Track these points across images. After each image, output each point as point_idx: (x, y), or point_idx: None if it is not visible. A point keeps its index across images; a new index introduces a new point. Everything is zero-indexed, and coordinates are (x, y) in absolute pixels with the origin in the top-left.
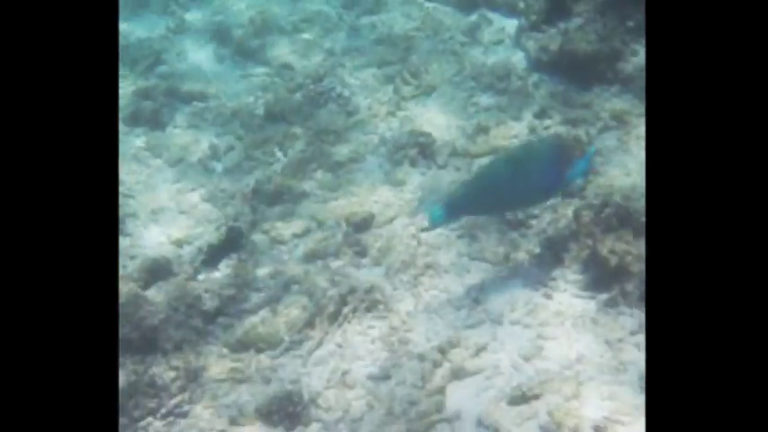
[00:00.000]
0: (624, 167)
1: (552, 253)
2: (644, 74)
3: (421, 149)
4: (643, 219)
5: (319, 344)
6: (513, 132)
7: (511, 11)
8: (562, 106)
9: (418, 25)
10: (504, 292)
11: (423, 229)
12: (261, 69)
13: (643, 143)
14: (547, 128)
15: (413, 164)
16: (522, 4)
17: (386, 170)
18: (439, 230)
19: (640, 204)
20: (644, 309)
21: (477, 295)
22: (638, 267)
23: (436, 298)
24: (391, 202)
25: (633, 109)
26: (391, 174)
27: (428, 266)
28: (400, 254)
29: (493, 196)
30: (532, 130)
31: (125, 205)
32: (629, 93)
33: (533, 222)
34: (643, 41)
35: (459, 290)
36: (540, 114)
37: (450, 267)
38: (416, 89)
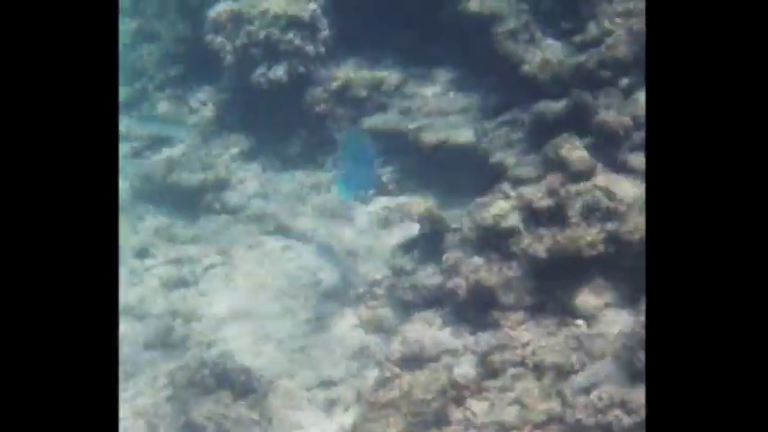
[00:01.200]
0: (230, 312)
1: (146, 422)
2: (251, 202)
3: None
4: (242, 377)
5: None
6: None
7: None
8: (167, 242)
9: None
10: None
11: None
12: None
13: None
14: (148, 269)
15: None
16: (123, 129)
17: None
18: None
19: (239, 362)
20: None
21: None
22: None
23: None
24: None
25: (241, 241)
26: None
27: None
28: None
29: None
30: (133, 271)
31: None
32: (238, 223)
33: (129, 383)
34: (248, 168)
35: None
36: (142, 254)
37: None
38: None
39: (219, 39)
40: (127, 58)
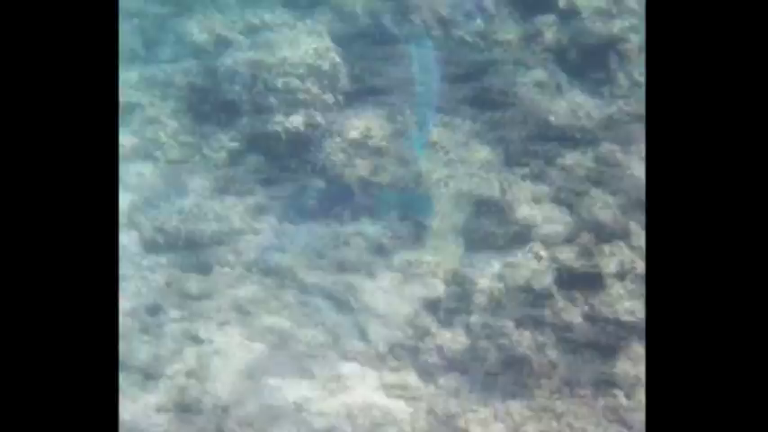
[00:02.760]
0: (246, 372)
1: None
2: (266, 255)
3: None
4: None
5: None
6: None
7: (123, 187)
8: (179, 298)
9: None
10: None
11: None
12: None
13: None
14: (160, 326)
15: None
16: (135, 180)
17: None
18: None
19: (257, 429)
20: None
21: None
22: None
23: None
24: None
25: (256, 298)
26: None
27: None
28: None
29: None
30: (144, 328)
31: None
32: (254, 276)
33: None
34: (263, 219)
35: None
36: (155, 310)
37: None
38: None
39: (236, 87)
40: (140, 104)
